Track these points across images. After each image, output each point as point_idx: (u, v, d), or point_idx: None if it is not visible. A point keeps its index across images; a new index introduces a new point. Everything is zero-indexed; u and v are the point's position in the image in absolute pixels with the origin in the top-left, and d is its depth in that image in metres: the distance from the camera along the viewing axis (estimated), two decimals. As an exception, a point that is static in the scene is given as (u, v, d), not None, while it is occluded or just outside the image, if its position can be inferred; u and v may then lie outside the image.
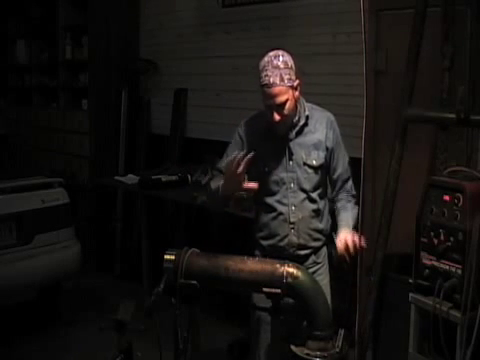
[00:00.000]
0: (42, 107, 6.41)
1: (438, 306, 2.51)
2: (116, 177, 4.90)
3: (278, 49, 2.60)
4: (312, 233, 2.74)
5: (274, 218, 2.74)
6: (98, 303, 4.63)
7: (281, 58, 2.53)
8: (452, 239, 2.52)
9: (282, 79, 2.50)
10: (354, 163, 3.54)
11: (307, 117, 2.69)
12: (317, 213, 2.74)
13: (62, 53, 5.91)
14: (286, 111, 2.56)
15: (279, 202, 2.71)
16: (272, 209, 2.73)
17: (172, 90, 5.34)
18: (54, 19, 5.91)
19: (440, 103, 3.05)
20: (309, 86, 4.12)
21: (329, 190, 2.86)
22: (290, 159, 2.69)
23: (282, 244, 2.72)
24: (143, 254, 4.76)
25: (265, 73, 2.52)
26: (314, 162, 2.69)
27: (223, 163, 2.75)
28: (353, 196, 2.81)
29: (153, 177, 4.44)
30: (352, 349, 3.17)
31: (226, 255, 2.21)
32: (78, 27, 5.68)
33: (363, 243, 2.60)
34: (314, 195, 2.72)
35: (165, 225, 5.33)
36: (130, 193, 5.26)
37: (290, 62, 2.56)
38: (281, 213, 2.72)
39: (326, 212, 2.81)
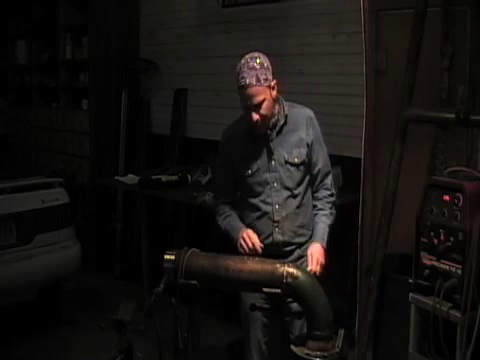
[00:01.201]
0: (42, 107, 6.40)
1: (438, 306, 2.51)
2: (116, 177, 4.89)
3: (254, 51, 2.64)
4: (296, 229, 2.77)
5: (259, 217, 2.77)
6: (98, 303, 4.62)
7: (257, 60, 2.57)
8: (452, 239, 2.52)
9: (258, 79, 2.54)
10: (354, 163, 3.55)
11: (286, 116, 2.72)
12: (300, 209, 2.77)
13: (62, 53, 5.91)
14: (264, 111, 2.59)
15: (263, 202, 2.75)
16: (256, 209, 2.77)
17: (172, 90, 5.34)
18: (54, 19, 5.91)
19: (440, 103, 3.05)
20: (309, 86, 4.16)
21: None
22: (272, 159, 2.72)
23: (267, 242, 2.74)
24: (143, 254, 4.76)
25: (241, 75, 2.56)
26: (296, 160, 2.72)
27: (221, 198, 2.92)
28: (331, 195, 2.83)
29: (153, 177, 4.44)
30: (352, 349, 3.18)
31: (226, 255, 2.21)
32: (78, 27, 5.68)
33: (317, 269, 2.61)
34: (297, 191, 2.75)
35: (165, 225, 5.32)
36: (130, 193, 5.26)
37: (266, 63, 2.59)
38: (266, 212, 2.75)
39: (310, 205, 2.82)
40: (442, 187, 2.62)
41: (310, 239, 2.78)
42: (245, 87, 2.55)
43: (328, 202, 2.81)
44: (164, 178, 4.38)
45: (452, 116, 2.74)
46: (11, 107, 6.83)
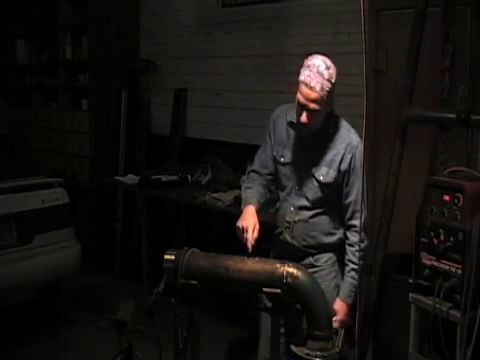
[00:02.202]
0: (42, 107, 6.40)
1: (438, 306, 2.51)
2: (116, 177, 4.90)
3: (327, 57, 2.58)
4: (308, 239, 2.71)
5: (278, 210, 2.83)
6: (98, 303, 4.62)
7: (328, 70, 2.52)
8: (452, 239, 2.52)
9: (322, 89, 2.50)
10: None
11: (331, 132, 2.66)
12: (314, 220, 2.70)
13: (62, 53, 5.90)
14: (314, 117, 2.55)
15: (285, 197, 2.76)
16: (280, 200, 2.81)
17: (172, 90, 5.34)
18: (54, 19, 5.90)
19: (440, 103, 3.05)
20: (309, 86, 4.16)
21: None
22: (304, 162, 2.68)
23: (281, 238, 2.77)
24: (143, 254, 4.76)
25: (308, 73, 2.53)
26: (321, 178, 2.64)
27: (256, 165, 2.86)
28: (362, 241, 2.63)
29: (153, 177, 4.44)
30: (352, 349, 3.17)
31: (226, 255, 2.21)
32: (78, 27, 5.68)
33: (337, 325, 2.42)
34: (314, 206, 2.68)
35: (165, 225, 5.33)
36: (130, 193, 5.26)
37: (334, 79, 2.54)
38: (282, 208, 2.78)
39: (329, 224, 2.71)
40: (442, 187, 2.62)
41: (323, 253, 2.73)
42: (308, 87, 2.51)
43: (360, 250, 2.60)
44: (164, 178, 4.39)
45: (452, 116, 2.74)
46: (11, 107, 6.82)
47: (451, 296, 2.51)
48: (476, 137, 3.03)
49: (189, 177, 4.45)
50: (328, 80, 2.50)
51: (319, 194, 2.66)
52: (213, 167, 4.51)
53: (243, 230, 2.52)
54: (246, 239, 2.51)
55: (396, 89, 3.19)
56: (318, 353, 1.99)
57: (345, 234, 2.71)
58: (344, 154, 2.62)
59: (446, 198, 2.58)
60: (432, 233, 2.62)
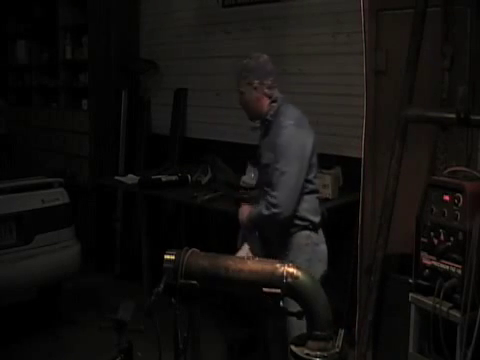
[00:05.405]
0: (42, 107, 6.41)
1: (438, 306, 2.51)
2: (116, 177, 4.89)
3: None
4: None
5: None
6: (98, 303, 4.62)
7: (247, 60, 2.99)
8: (452, 239, 2.53)
9: (239, 73, 2.98)
10: (354, 163, 3.55)
11: (269, 120, 2.99)
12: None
13: (62, 53, 5.91)
14: (241, 101, 3.03)
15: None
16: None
17: (172, 90, 5.34)
18: (54, 19, 5.91)
19: (440, 103, 3.05)
20: (309, 86, 4.16)
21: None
22: (260, 156, 3.06)
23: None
24: (143, 254, 4.76)
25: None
26: (264, 161, 2.99)
27: None
28: (272, 205, 2.87)
29: (153, 177, 4.44)
30: (352, 349, 3.17)
31: (226, 255, 2.21)
32: (78, 27, 5.68)
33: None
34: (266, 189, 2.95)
35: (165, 225, 5.33)
36: (130, 193, 5.26)
37: (253, 64, 2.96)
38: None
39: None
40: (442, 187, 2.62)
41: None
42: None
43: (266, 209, 2.90)
44: (164, 178, 4.38)
45: (452, 116, 2.74)
46: (11, 107, 6.82)
47: (451, 296, 2.51)
48: (476, 137, 3.03)
49: (189, 177, 4.45)
50: (244, 68, 2.96)
51: (264, 176, 3.00)
52: (213, 167, 4.50)
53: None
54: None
55: (396, 89, 3.19)
56: (318, 353, 1.99)
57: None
58: (275, 136, 2.91)
59: (446, 198, 2.59)
60: (432, 233, 2.62)
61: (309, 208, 2.94)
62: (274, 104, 2.97)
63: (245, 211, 3.04)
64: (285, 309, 2.58)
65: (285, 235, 2.94)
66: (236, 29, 4.75)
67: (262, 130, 3.07)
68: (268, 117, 2.97)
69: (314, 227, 2.96)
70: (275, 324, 3.12)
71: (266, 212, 2.85)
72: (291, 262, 2.24)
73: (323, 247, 2.99)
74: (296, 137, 2.84)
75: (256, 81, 2.93)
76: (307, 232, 2.94)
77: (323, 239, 3.01)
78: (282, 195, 2.81)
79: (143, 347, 2.63)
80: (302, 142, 2.85)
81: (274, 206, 2.81)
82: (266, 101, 2.97)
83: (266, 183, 2.94)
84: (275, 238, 3.00)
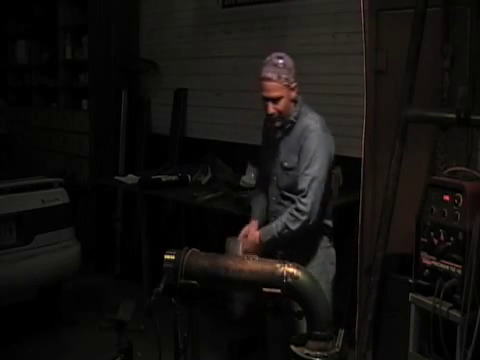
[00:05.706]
0: (42, 107, 6.40)
1: (438, 306, 2.51)
2: (116, 177, 4.89)
3: (280, 52, 2.85)
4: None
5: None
6: (98, 303, 4.62)
7: (281, 59, 2.79)
8: (452, 239, 2.53)
9: (279, 77, 2.75)
10: (354, 163, 3.55)
11: (293, 122, 2.86)
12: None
13: (62, 53, 5.91)
14: (280, 107, 2.79)
15: (270, 192, 3.01)
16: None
17: (172, 90, 5.34)
18: (54, 19, 5.91)
19: (440, 103, 3.05)
20: (309, 86, 4.13)
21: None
22: (277, 156, 2.92)
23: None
24: (143, 254, 4.76)
25: (264, 68, 2.79)
26: (286, 164, 2.87)
27: (260, 169, 3.24)
28: (299, 211, 2.76)
29: (153, 177, 4.44)
30: (352, 349, 3.17)
31: (226, 255, 2.21)
32: (78, 27, 5.68)
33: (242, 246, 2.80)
34: (287, 194, 2.87)
35: (165, 225, 5.32)
36: (130, 193, 5.26)
37: (289, 64, 2.81)
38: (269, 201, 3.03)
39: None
40: (442, 187, 2.62)
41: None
42: (265, 79, 2.77)
43: (293, 215, 2.79)
44: (164, 178, 4.38)
45: (452, 116, 2.74)
46: (11, 107, 6.82)
47: (451, 296, 2.51)
48: (476, 137, 3.03)
49: (189, 177, 4.45)
50: (283, 68, 2.77)
51: (286, 180, 2.87)
52: (213, 167, 4.50)
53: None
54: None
55: (396, 89, 3.19)
56: (318, 353, 1.99)
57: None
58: (301, 138, 2.81)
59: (446, 198, 2.59)
60: (432, 233, 2.62)
61: (325, 213, 2.90)
62: (296, 104, 2.87)
63: (253, 235, 2.88)
64: (285, 309, 2.59)
65: (302, 240, 2.85)
66: (236, 29, 4.75)
67: (282, 131, 2.90)
68: (291, 118, 2.85)
69: (329, 231, 2.93)
70: (275, 324, 3.12)
71: (297, 224, 2.73)
72: (305, 266, 2.26)
73: (333, 250, 2.97)
74: (324, 142, 2.78)
75: (294, 82, 2.81)
76: (323, 236, 2.92)
77: (332, 242, 2.99)
78: (313, 202, 2.73)
79: (143, 347, 2.63)
80: (329, 147, 2.80)
81: (304, 214, 2.72)
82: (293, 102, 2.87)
83: (288, 188, 2.85)
84: (292, 243, 2.88)
